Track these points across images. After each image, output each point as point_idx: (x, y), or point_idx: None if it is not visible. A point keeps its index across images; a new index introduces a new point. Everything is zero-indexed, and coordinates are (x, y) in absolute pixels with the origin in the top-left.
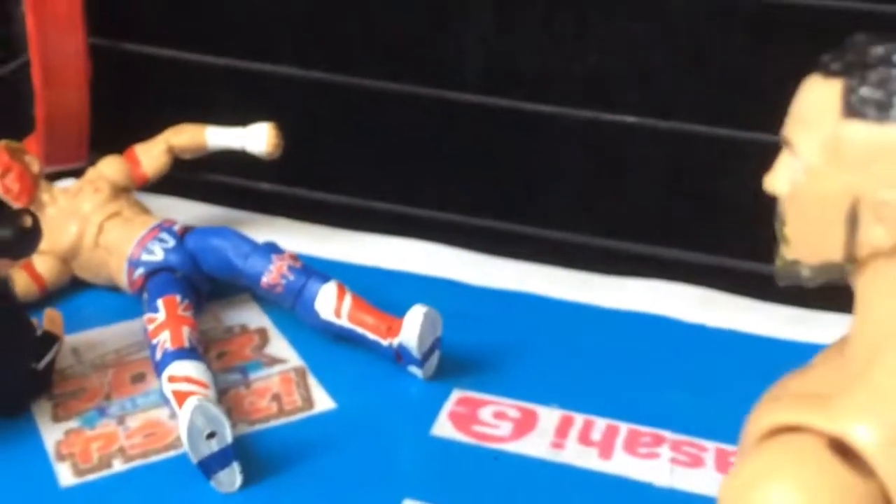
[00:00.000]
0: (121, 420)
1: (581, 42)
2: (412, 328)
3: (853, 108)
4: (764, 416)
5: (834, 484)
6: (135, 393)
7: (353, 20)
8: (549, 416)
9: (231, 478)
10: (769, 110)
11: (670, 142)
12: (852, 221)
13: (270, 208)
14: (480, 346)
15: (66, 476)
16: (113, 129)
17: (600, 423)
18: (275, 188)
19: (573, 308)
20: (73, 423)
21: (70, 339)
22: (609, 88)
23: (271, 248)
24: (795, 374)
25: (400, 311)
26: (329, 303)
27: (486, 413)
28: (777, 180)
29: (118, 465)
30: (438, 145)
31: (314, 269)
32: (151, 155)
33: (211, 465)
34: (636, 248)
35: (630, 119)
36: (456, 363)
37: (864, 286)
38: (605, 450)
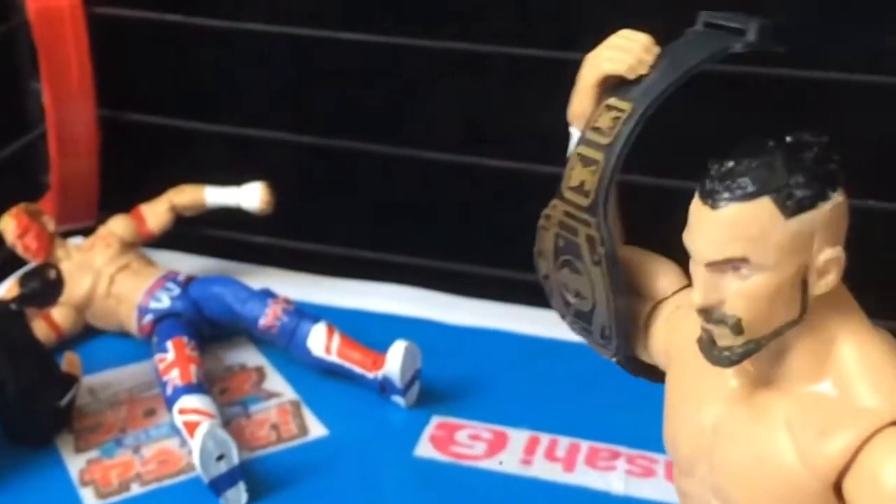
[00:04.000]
0: (136, 450)
1: (541, 104)
2: (394, 361)
3: (794, 210)
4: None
5: None
6: (147, 426)
7: (337, 88)
8: (518, 437)
9: (238, 496)
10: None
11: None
12: (803, 287)
13: (264, 259)
14: (456, 377)
15: (90, 499)
16: (120, 191)
17: (564, 442)
18: (268, 241)
19: (538, 341)
20: (93, 454)
21: (87, 380)
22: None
23: (267, 294)
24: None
25: (383, 348)
26: (320, 341)
27: (462, 435)
28: (711, 294)
29: (136, 489)
30: (416, 199)
31: (305, 312)
32: (156, 213)
33: (220, 485)
34: None
35: None
36: (434, 393)
37: (819, 322)
38: (569, 464)
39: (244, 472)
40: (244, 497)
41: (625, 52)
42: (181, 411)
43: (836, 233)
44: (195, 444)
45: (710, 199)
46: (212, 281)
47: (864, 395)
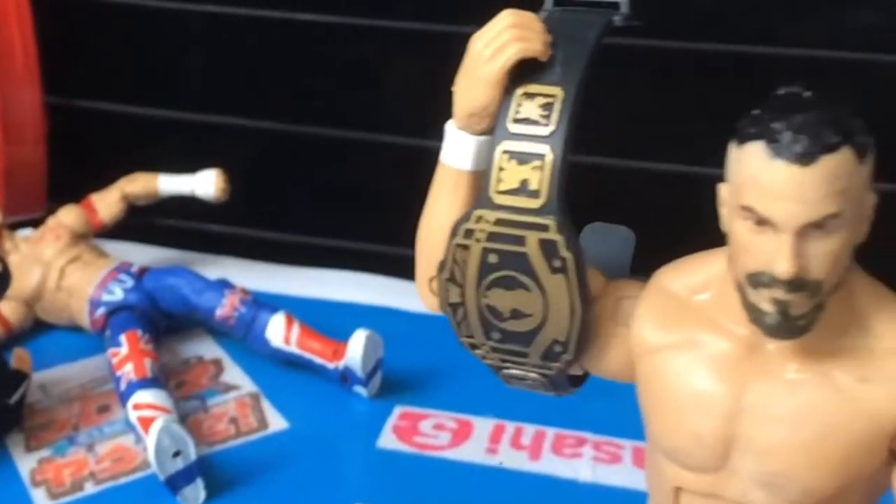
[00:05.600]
0: (89, 447)
1: None
2: (356, 351)
3: (863, 155)
4: None
5: None
6: (101, 422)
7: (291, 72)
8: (483, 426)
9: (195, 493)
10: (666, 143)
11: (583, 174)
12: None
13: (220, 248)
14: (419, 365)
15: (41, 500)
16: (70, 181)
17: (529, 430)
18: (224, 229)
19: None
20: (45, 453)
21: (37, 377)
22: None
23: (223, 284)
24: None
25: (344, 337)
26: (279, 331)
27: (426, 425)
28: (799, 261)
29: (90, 488)
30: (373, 185)
31: (263, 302)
32: (107, 203)
33: (177, 482)
34: None
35: None
36: (397, 382)
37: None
38: (535, 452)
39: (202, 468)
40: (202, 494)
41: (531, 32)
42: (136, 407)
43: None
44: (150, 440)
45: (799, 155)
46: (166, 272)
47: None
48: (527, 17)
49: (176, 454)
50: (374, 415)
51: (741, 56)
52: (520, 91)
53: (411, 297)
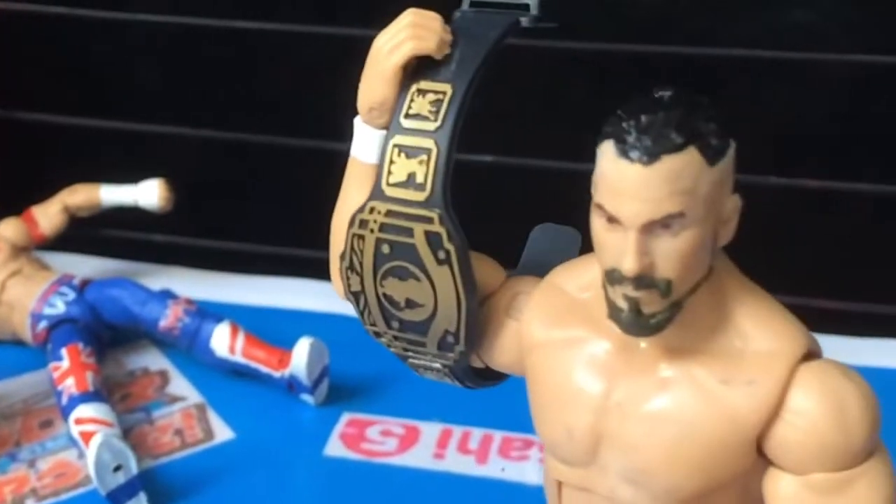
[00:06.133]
0: (31, 463)
1: None
2: (300, 359)
3: (714, 157)
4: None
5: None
6: (43, 438)
7: (233, 82)
8: (430, 431)
9: None
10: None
11: (527, 177)
12: (713, 240)
13: (165, 258)
14: (366, 372)
15: None
16: (9, 194)
17: (477, 433)
18: (168, 239)
19: None
20: None
21: None
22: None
23: (167, 295)
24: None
25: (291, 345)
26: (223, 341)
27: (373, 432)
28: (643, 259)
29: None
30: (318, 191)
31: (208, 311)
32: (48, 215)
33: (119, 497)
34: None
35: (488, 158)
36: (344, 389)
37: (717, 277)
38: (482, 456)
39: (146, 482)
40: None
41: (427, 31)
42: (77, 421)
43: (732, 181)
44: (90, 455)
45: (641, 154)
46: (108, 283)
47: (766, 341)
48: (427, 16)
49: (117, 468)
50: (321, 422)
51: (682, 57)
52: (414, 87)
53: None
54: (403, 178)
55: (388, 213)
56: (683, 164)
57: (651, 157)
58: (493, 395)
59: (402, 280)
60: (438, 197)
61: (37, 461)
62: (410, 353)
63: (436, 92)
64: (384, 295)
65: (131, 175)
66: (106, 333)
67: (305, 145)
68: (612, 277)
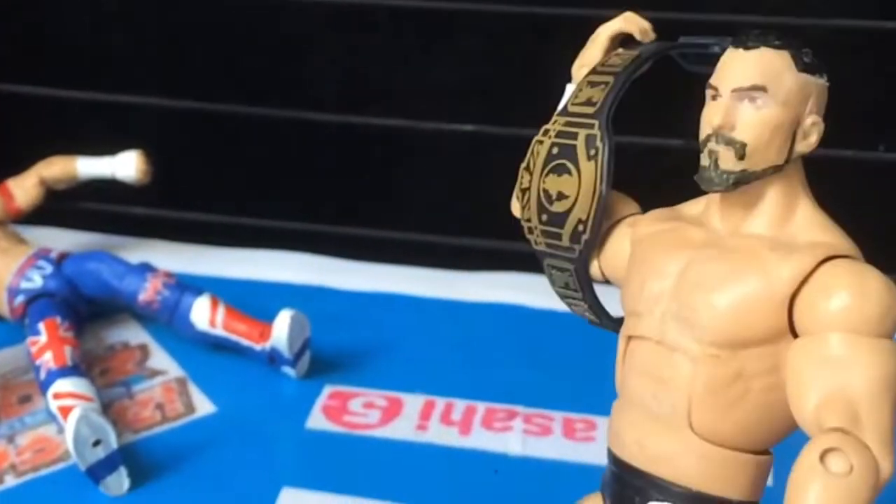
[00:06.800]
0: (10, 439)
1: (426, 60)
2: (281, 331)
3: (803, 67)
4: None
5: None
6: (22, 413)
7: (211, 52)
8: (413, 402)
9: (119, 482)
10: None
11: (508, 147)
12: (792, 138)
13: (144, 231)
14: (348, 344)
15: None
16: None
17: (460, 405)
18: (147, 212)
19: (431, 303)
20: None
21: None
22: (450, 101)
23: (146, 268)
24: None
25: (273, 318)
26: (203, 314)
27: (356, 404)
28: (728, 117)
29: (10, 481)
30: (299, 162)
31: (187, 284)
32: (24, 188)
33: (99, 472)
34: (487, 244)
35: (468, 128)
36: (327, 361)
37: (789, 178)
38: (465, 427)
39: (126, 457)
40: (126, 482)
41: (634, 21)
42: (56, 396)
43: (821, 106)
44: (68, 430)
45: (745, 43)
46: (86, 257)
47: (819, 237)
48: (637, 16)
49: (96, 443)
50: (302, 395)
51: (664, 22)
52: (614, 52)
53: (339, 274)
54: (584, 100)
55: (566, 124)
56: (775, 57)
57: (753, 45)
58: (475, 366)
59: (559, 175)
60: (603, 112)
61: (16, 436)
62: (549, 250)
63: (627, 54)
64: (543, 190)
65: (108, 147)
66: (84, 307)
67: (284, 115)
68: (705, 142)
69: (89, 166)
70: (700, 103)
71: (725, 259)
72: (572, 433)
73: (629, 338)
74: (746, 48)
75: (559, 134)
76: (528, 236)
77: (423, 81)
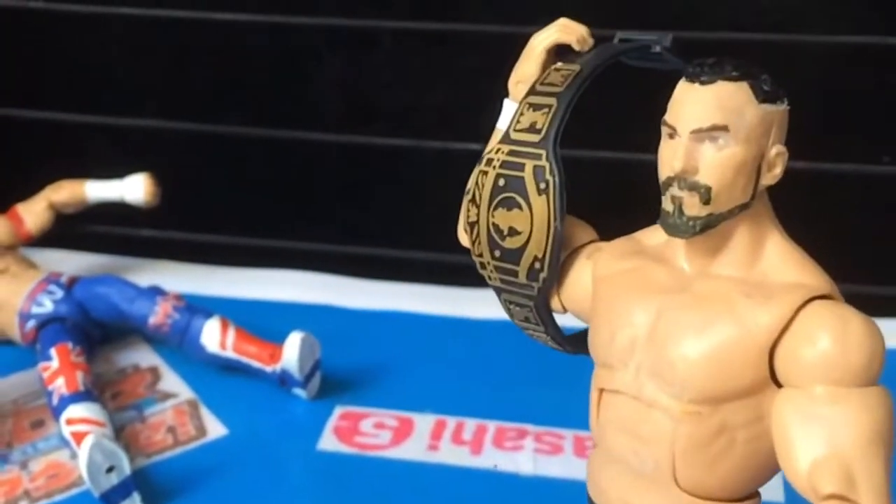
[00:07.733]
0: (23, 465)
1: (429, 79)
2: (292, 353)
3: (764, 97)
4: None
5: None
6: (35, 438)
7: (216, 73)
8: (423, 422)
9: None
10: (601, 133)
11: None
12: (757, 172)
13: (153, 253)
14: (358, 364)
15: None
16: None
17: (470, 424)
18: (155, 234)
19: (441, 321)
20: None
21: None
22: (454, 120)
23: (155, 291)
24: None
25: (283, 338)
26: (214, 337)
27: (367, 424)
28: (690, 161)
29: None
30: (305, 181)
31: (197, 307)
32: (33, 212)
33: (112, 498)
34: None
35: (475, 146)
36: (337, 382)
37: (756, 213)
38: (476, 447)
39: (139, 481)
40: None
41: (572, 29)
42: (69, 421)
43: (783, 134)
44: (82, 457)
45: (701, 77)
46: (96, 281)
47: (794, 276)
48: (574, 23)
49: (109, 469)
50: (314, 416)
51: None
52: (552, 67)
53: (348, 293)
54: (527, 125)
55: (510, 153)
56: (734, 90)
57: (709, 79)
58: (486, 384)
59: (508, 210)
60: (549, 140)
61: (29, 462)
62: (505, 286)
63: (568, 70)
64: (493, 224)
65: (116, 170)
66: (95, 331)
67: (289, 136)
68: (666, 185)
69: (98, 189)
70: (655, 113)
71: (698, 307)
72: (583, 451)
73: (602, 390)
74: (702, 83)
75: (504, 164)
76: (482, 271)
77: (426, 101)
